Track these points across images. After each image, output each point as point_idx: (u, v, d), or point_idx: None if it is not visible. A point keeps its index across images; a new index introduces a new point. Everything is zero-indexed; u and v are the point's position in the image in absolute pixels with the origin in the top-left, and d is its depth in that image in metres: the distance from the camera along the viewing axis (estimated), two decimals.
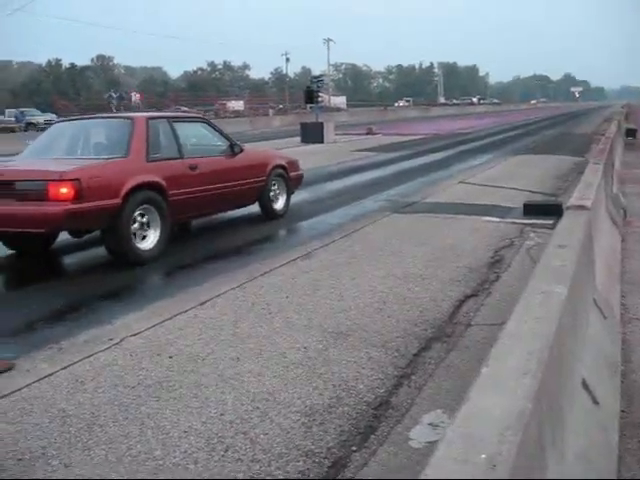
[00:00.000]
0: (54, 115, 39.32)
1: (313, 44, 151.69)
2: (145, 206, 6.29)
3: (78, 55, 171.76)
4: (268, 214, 8.48)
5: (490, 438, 1.40)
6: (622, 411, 2.90)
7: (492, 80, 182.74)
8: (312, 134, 23.63)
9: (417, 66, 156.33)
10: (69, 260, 7.02)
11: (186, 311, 4.69)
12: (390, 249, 6.57)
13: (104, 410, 3.21)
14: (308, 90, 27.25)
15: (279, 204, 8.64)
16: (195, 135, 7.77)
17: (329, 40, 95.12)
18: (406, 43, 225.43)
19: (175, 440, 2.91)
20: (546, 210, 8.03)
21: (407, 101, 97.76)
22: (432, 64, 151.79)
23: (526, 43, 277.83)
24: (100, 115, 9.66)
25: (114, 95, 51.81)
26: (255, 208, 8.46)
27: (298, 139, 24.04)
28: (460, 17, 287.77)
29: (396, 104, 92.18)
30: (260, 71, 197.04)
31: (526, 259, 6.01)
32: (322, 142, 23.12)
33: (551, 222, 6.77)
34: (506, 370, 1.79)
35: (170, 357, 3.86)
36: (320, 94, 29.39)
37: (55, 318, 4.78)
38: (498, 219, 8.07)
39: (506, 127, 33.96)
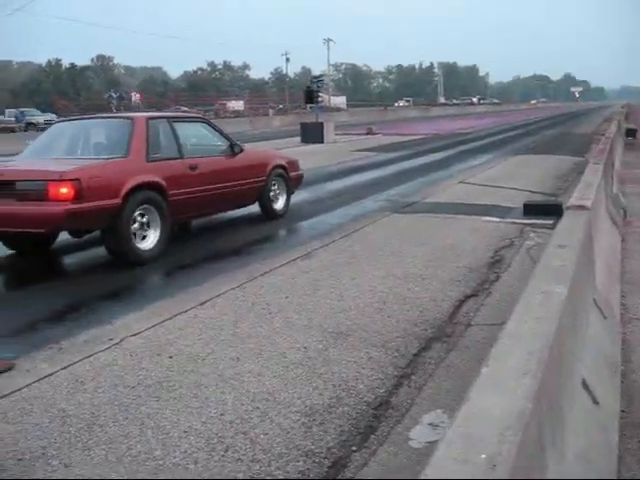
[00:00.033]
0: (54, 115, 39.31)
1: (313, 44, 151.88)
2: (145, 206, 6.29)
3: (78, 55, 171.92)
4: (268, 214, 8.48)
5: (490, 438, 1.40)
6: (622, 411, 2.90)
7: (492, 80, 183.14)
8: (312, 134, 23.63)
9: (417, 66, 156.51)
10: (69, 260, 7.02)
11: (186, 311, 4.69)
12: (390, 249, 6.57)
13: (104, 410, 3.21)
14: (308, 90, 27.25)
15: (279, 204, 8.64)
16: (195, 135, 7.77)
17: (329, 40, 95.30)
18: (406, 43, 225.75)
19: (175, 440, 2.91)
20: (546, 210, 8.03)
21: (407, 101, 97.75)
22: (432, 64, 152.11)
23: (526, 43, 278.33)
24: (100, 115, 9.66)
25: (114, 95, 51.80)
26: (255, 208, 8.46)
27: (298, 139, 24.04)
28: (460, 17, 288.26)
29: (396, 104, 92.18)
30: (260, 71, 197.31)
31: (526, 259, 6.01)
32: (322, 142, 23.11)
33: (551, 222, 6.77)
34: (506, 370, 1.79)
35: (170, 357, 3.86)
36: (320, 94, 29.40)
37: (55, 318, 4.78)
38: (498, 219, 8.07)
39: (506, 127, 33.96)
